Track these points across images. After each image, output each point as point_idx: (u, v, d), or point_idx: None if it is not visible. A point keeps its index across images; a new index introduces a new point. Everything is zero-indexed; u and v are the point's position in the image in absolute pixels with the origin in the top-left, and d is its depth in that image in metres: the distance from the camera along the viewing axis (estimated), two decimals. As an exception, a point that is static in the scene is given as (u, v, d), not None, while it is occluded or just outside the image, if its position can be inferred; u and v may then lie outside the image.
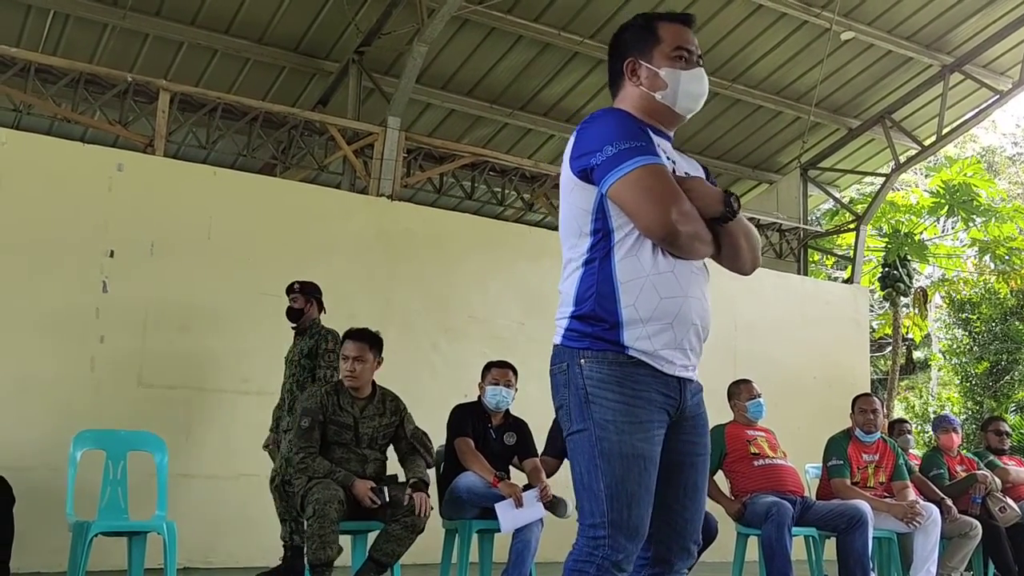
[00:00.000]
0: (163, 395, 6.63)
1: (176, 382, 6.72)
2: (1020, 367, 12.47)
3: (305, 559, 4.49)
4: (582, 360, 2.24)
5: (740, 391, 5.99)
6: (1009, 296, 13.17)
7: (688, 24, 2.43)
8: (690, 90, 2.36)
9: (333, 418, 4.72)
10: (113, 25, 8.46)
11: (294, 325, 5.82)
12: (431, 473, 4.95)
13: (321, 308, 5.86)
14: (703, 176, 2.47)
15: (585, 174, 2.25)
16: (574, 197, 2.29)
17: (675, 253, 2.24)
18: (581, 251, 2.28)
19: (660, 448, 2.25)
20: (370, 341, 4.85)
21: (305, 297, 5.80)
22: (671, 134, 2.44)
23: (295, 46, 9.11)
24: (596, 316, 2.23)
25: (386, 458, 4.91)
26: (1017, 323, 12.85)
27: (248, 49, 8.99)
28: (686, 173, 2.38)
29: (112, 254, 6.63)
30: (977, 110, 11.05)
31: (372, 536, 4.72)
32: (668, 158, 2.34)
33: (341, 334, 5.02)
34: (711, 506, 4.82)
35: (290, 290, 5.84)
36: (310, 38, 9.01)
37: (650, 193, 2.16)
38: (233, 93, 8.63)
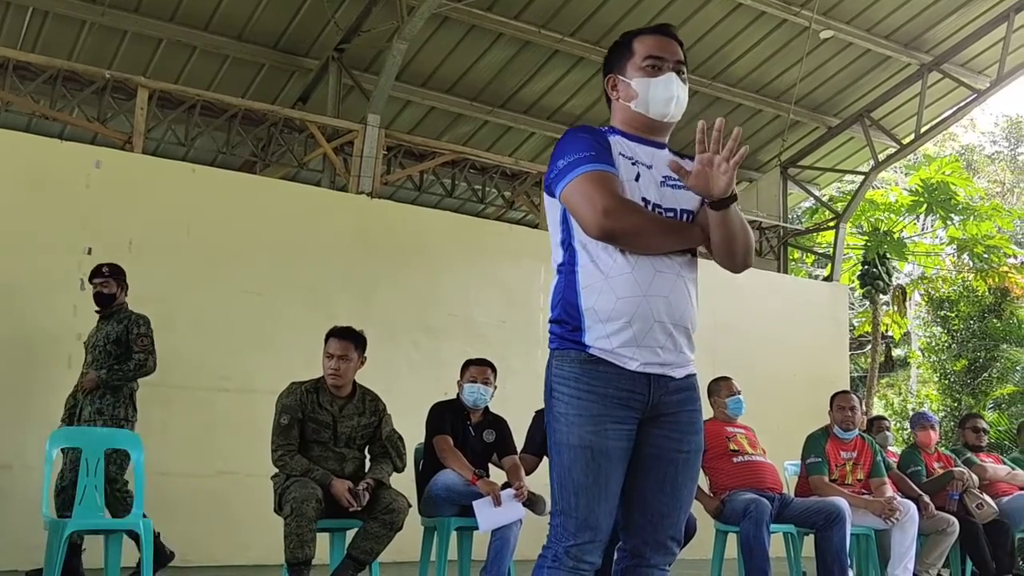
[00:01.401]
0: (141, 392, 6.54)
1: (154, 380, 6.64)
2: (998, 364, 12.57)
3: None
4: (554, 359, 2.39)
5: (720, 388, 6.00)
6: (987, 294, 13.28)
7: (663, 34, 2.51)
8: (658, 95, 2.44)
9: (312, 416, 4.70)
10: (91, 22, 8.41)
11: (98, 309, 5.63)
12: (410, 471, 4.94)
13: (126, 291, 5.68)
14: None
15: (550, 189, 2.43)
16: (549, 211, 2.49)
17: (629, 249, 2.33)
18: (557, 261, 2.46)
19: (621, 443, 2.32)
20: (354, 340, 4.83)
21: (116, 281, 5.61)
22: (662, 140, 2.52)
23: (274, 43, 9.08)
24: (563, 320, 2.39)
25: (364, 457, 4.89)
26: (995, 321, 12.96)
27: (227, 46, 8.95)
28: (665, 177, 2.42)
29: (90, 251, 6.58)
30: (955, 108, 11.13)
31: (350, 534, 4.71)
32: (643, 163, 2.42)
33: (325, 333, 4.98)
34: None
35: (98, 274, 5.59)
36: (290, 35, 8.98)
37: (584, 197, 2.31)
38: (212, 90, 8.60)
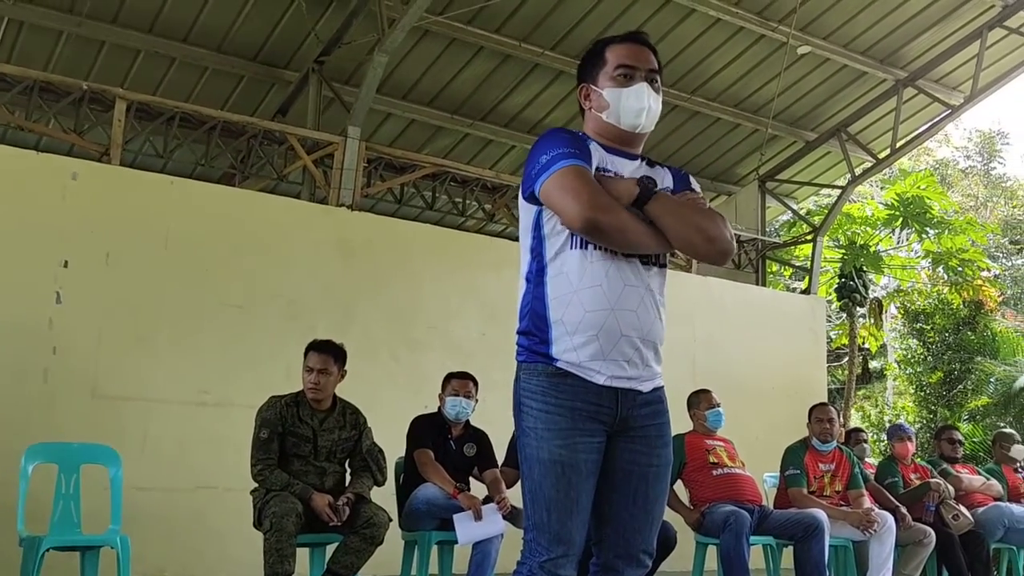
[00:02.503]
0: (118, 407, 6.53)
1: (132, 394, 6.62)
2: (972, 376, 12.68)
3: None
4: (522, 372, 2.39)
5: (699, 401, 6.04)
6: (961, 307, 13.40)
7: (636, 42, 2.49)
8: (629, 106, 2.43)
9: (292, 430, 4.68)
10: (69, 32, 8.35)
11: None
12: (390, 485, 4.93)
13: None
14: (669, 186, 2.52)
15: (526, 189, 2.40)
16: (522, 217, 2.46)
17: (610, 246, 2.32)
18: (525, 270, 2.44)
19: (591, 456, 2.32)
20: (334, 353, 4.83)
21: None
22: (634, 152, 2.51)
23: (254, 55, 9.05)
24: (530, 331, 2.38)
25: (345, 471, 4.88)
26: (969, 333, 13.08)
27: (206, 58, 8.92)
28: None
29: (66, 264, 6.52)
30: (930, 124, 11.24)
31: (331, 549, 4.69)
32: (615, 172, 2.42)
33: (305, 346, 4.95)
34: (670, 516, 4.85)
35: None
36: (269, 47, 8.97)
37: (567, 189, 2.28)
38: (191, 102, 8.55)
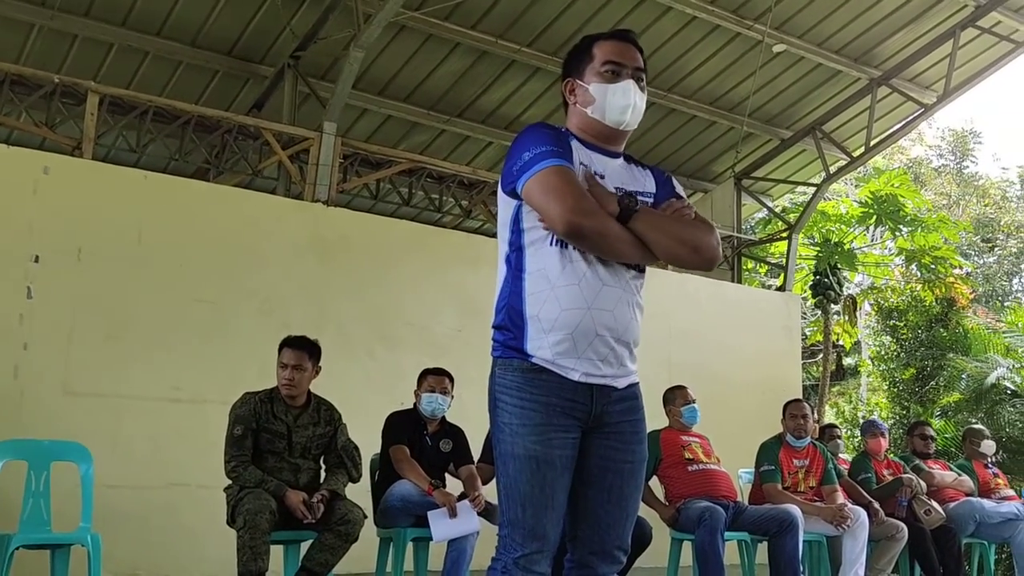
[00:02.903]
0: (90, 404, 6.46)
1: (104, 390, 6.56)
2: (944, 373, 12.77)
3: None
4: (497, 368, 2.38)
5: (675, 397, 6.06)
6: (934, 304, 13.50)
7: (624, 39, 2.49)
8: (615, 102, 2.43)
9: (266, 426, 4.65)
10: (40, 25, 8.25)
11: None
12: (366, 482, 4.91)
13: None
14: (651, 190, 2.51)
15: (508, 184, 2.38)
16: (501, 211, 2.44)
17: (591, 251, 2.31)
18: (502, 264, 2.43)
19: (567, 451, 2.32)
20: (309, 350, 4.80)
21: None
22: (616, 149, 2.51)
23: (229, 49, 8.98)
24: (506, 326, 2.37)
25: (320, 467, 4.86)
26: (941, 330, 13.18)
27: (180, 52, 8.84)
28: (617, 188, 2.41)
29: (37, 259, 6.45)
30: (903, 122, 11.33)
31: (305, 546, 4.66)
32: (597, 173, 2.41)
33: (279, 343, 4.92)
34: (646, 512, 4.86)
35: None
36: (244, 42, 8.90)
37: (553, 190, 2.27)
38: (165, 96, 8.47)
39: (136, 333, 6.71)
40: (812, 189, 11.75)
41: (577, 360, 2.31)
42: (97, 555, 4.53)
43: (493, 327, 2.41)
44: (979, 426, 8.37)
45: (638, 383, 2.45)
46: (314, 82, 8.85)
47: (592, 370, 2.33)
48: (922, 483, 6.77)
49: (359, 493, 4.98)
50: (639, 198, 2.40)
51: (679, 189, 2.57)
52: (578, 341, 2.30)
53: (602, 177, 2.41)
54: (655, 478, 5.86)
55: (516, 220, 2.38)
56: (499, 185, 2.44)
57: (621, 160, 2.51)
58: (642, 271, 2.45)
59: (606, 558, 2.40)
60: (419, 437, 5.29)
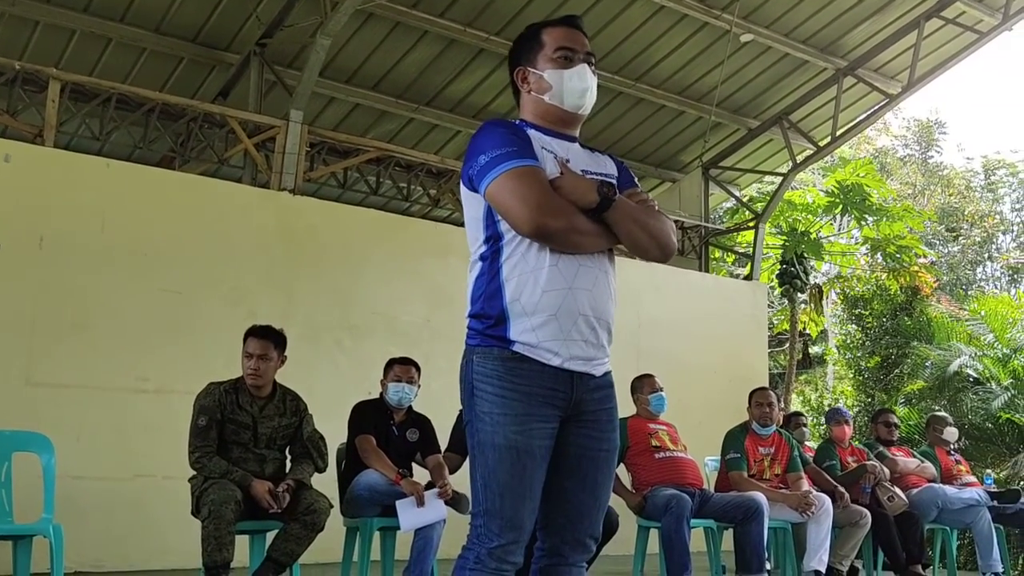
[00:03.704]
0: (54, 394, 6.39)
1: (68, 381, 6.49)
2: (908, 361, 12.93)
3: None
4: (474, 356, 2.35)
5: (643, 385, 6.08)
6: (899, 293, 13.67)
7: (572, 25, 2.50)
8: (573, 86, 2.44)
9: (231, 417, 4.62)
10: (2, 11, 8.12)
11: None
12: (332, 472, 4.89)
13: None
14: (613, 173, 2.52)
15: (471, 184, 2.37)
16: (467, 206, 2.43)
17: (558, 249, 2.31)
18: (476, 255, 2.41)
19: (545, 441, 2.31)
20: (274, 339, 4.77)
21: None
22: (573, 134, 2.51)
23: (194, 36, 8.89)
24: (485, 314, 2.35)
25: (285, 458, 4.83)
26: (906, 319, 13.34)
27: (144, 38, 8.73)
28: (583, 171, 2.41)
29: (-1, 248, 6.36)
30: (869, 112, 11.44)
31: (271, 536, 4.64)
32: (558, 157, 2.40)
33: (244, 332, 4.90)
34: (613, 500, 4.88)
35: None
36: (209, 29, 8.81)
37: (514, 194, 2.26)
38: (129, 83, 8.37)
39: (100, 323, 6.64)
40: (779, 179, 11.84)
41: (562, 343, 2.30)
42: (59, 546, 4.47)
43: (469, 316, 2.39)
44: (942, 413, 8.48)
45: (611, 371, 2.46)
46: (280, 70, 8.78)
47: (576, 352, 2.32)
48: (886, 470, 6.85)
49: (325, 483, 4.96)
50: (610, 183, 2.41)
51: (635, 177, 2.59)
52: (563, 321, 2.30)
53: (567, 161, 2.41)
54: (622, 466, 5.88)
55: (489, 214, 2.36)
56: (461, 182, 2.43)
57: (578, 144, 2.52)
58: (612, 253, 2.46)
59: (577, 547, 2.41)
60: (385, 427, 5.28)
